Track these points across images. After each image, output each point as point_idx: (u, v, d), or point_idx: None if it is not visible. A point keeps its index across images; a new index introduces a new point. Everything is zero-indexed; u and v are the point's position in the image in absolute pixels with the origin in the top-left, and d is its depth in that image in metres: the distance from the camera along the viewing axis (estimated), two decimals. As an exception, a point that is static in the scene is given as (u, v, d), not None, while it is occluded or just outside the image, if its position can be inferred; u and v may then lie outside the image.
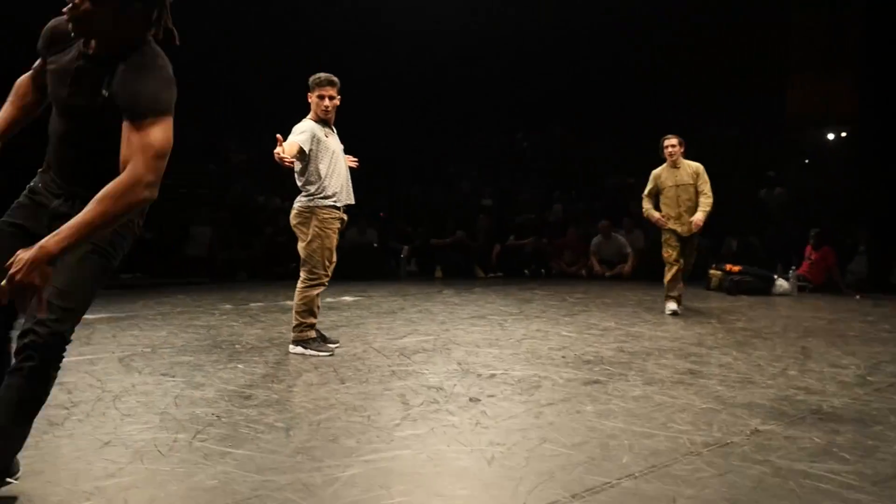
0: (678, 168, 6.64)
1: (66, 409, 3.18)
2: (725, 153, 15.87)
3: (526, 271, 11.33)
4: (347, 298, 7.75)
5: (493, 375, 3.91)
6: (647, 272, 10.64)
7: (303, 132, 4.42)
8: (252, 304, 7.10)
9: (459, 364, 4.20)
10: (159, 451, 2.63)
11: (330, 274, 4.63)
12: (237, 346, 4.79)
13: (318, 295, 4.57)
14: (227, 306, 6.94)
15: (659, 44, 15.70)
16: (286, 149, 4.22)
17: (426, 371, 4.02)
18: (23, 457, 2.28)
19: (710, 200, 6.49)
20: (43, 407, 2.20)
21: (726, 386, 3.70)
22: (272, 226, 11.41)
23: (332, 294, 8.06)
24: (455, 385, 3.67)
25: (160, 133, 1.96)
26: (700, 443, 2.75)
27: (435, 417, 3.09)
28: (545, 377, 3.87)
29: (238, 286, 9.22)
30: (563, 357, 4.45)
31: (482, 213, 12.40)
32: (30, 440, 2.65)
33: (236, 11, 15.92)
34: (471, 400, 3.38)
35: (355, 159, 4.88)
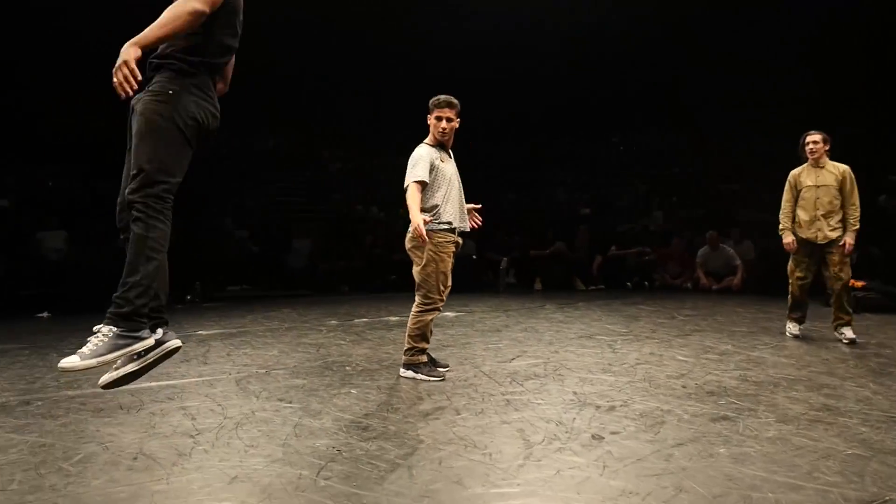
0: (821, 168, 6.02)
1: (192, 437, 3.23)
2: (840, 154, 15.08)
3: (628, 284, 11.05)
4: (449, 314, 7.72)
5: (612, 408, 3.77)
6: (757, 286, 10.22)
7: (416, 164, 4.38)
8: (357, 321, 7.16)
9: (575, 394, 4.07)
10: (286, 489, 2.63)
11: (444, 298, 4.58)
12: (348, 367, 4.80)
13: (431, 320, 4.53)
14: (333, 322, 7.03)
15: (764, 37, 15.03)
16: (412, 211, 4.25)
17: (542, 401, 3.92)
18: (154, 492, 2.31)
19: (859, 213, 5.84)
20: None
21: (870, 426, 3.44)
22: (372, 236, 11.55)
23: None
24: (574, 419, 3.55)
25: None
26: (854, 499, 2.54)
27: (559, 458, 2.98)
28: (668, 411, 3.70)
29: (340, 300, 9.36)
30: (684, 387, 4.25)
31: (581, 223, 12.19)
32: (160, 472, 2.71)
33: (327, 20, 16.19)
34: (594, 438, 3.25)
35: (478, 206, 4.81)
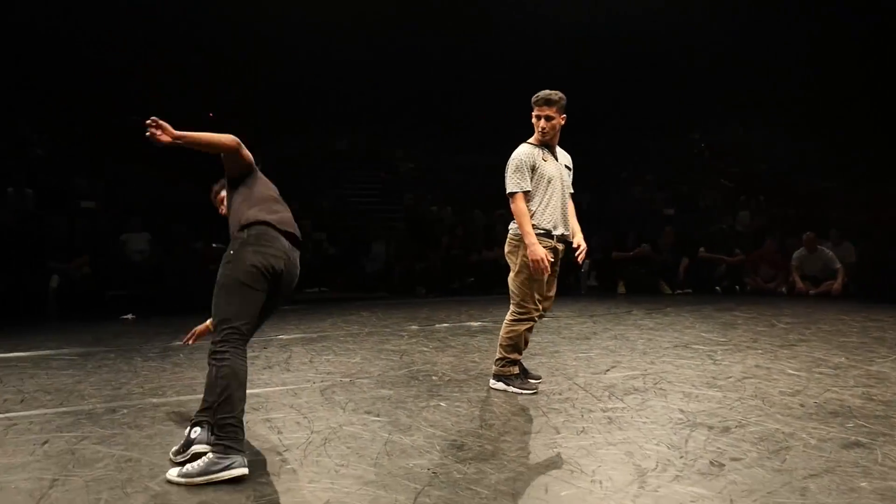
0: None
1: (279, 453, 3.09)
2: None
3: (718, 288, 10.54)
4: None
5: (726, 429, 3.46)
6: (860, 291, 9.63)
7: (515, 170, 4.14)
8: (437, 325, 6.98)
9: (682, 412, 3.78)
10: (382, 517, 2.44)
11: (541, 309, 4.29)
12: (434, 377, 4.61)
13: (525, 330, 4.27)
14: (414, 327, 6.86)
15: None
16: (524, 232, 4.06)
17: (646, 420, 3.63)
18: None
19: None
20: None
21: None
22: (448, 237, 11.36)
23: (499, 313, 7.82)
24: (687, 441, 3.26)
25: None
26: None
27: (677, 488, 2.71)
28: (791, 434, 3.37)
29: (418, 303, 9.21)
30: (802, 405, 3.90)
31: (666, 224, 11.72)
32: (249, 492, 2.55)
33: (395, 21, 16.12)
34: (713, 465, 2.96)
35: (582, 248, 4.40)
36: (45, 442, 3.22)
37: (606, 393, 4.21)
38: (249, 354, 5.37)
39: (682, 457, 3.05)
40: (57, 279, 7.97)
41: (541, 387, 4.34)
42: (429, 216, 13.14)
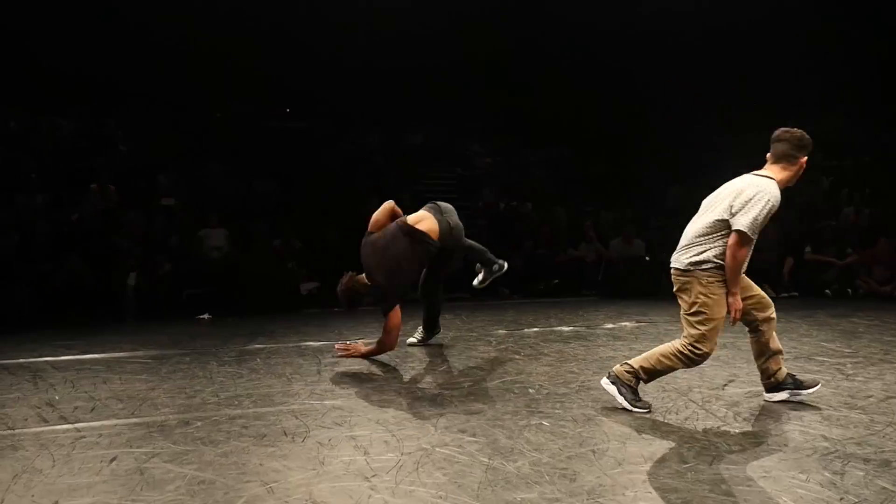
0: None
1: (367, 479, 2.75)
2: None
3: (827, 291, 9.77)
4: (627, 324, 6.98)
5: (886, 463, 2.96)
6: None
7: (762, 210, 3.78)
8: (526, 330, 6.57)
9: (826, 439, 3.28)
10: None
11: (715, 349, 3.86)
12: (531, 390, 4.21)
13: (681, 368, 3.83)
14: (501, 331, 6.48)
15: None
16: (731, 281, 3.81)
17: (786, 448, 3.16)
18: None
19: None
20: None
21: None
22: (533, 238, 10.91)
23: (610, 318, 7.37)
24: (842, 477, 2.77)
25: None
26: None
27: (850, 541, 2.24)
28: (971, 472, 2.84)
29: (502, 305, 8.81)
30: (972, 434, 3.34)
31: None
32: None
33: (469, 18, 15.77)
34: (887, 511, 2.47)
35: None
36: (114, 459, 2.96)
37: (730, 413, 3.73)
38: (329, 360, 5.12)
39: (841, 498, 2.58)
40: (134, 277, 7.90)
41: (652, 403, 3.89)
42: (509, 213, 12.69)
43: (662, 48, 15.57)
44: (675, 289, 3.88)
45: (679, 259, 3.82)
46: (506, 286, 9.87)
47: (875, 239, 10.08)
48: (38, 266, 7.97)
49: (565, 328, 6.72)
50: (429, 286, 5.55)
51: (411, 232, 4.94)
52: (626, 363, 3.84)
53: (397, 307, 4.86)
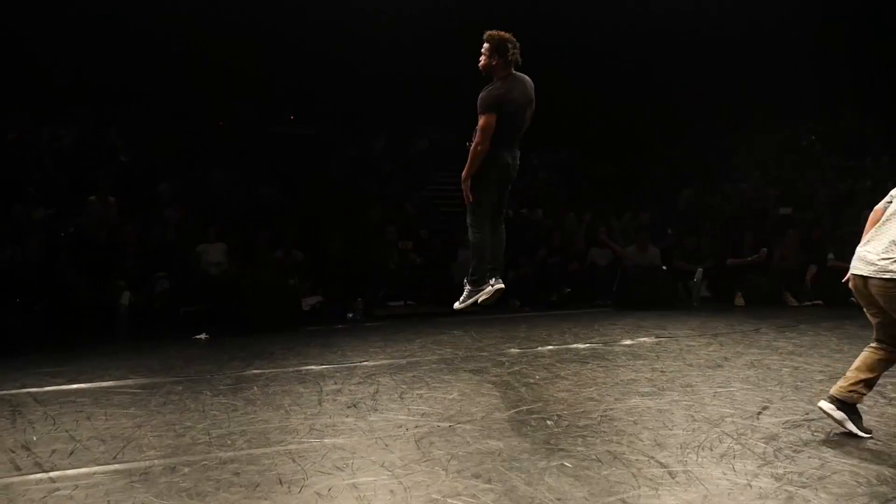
0: None
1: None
2: None
3: (853, 299, 9.38)
4: (646, 340, 6.66)
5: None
6: None
7: None
8: (540, 348, 6.27)
9: (881, 480, 2.97)
10: None
11: None
12: (549, 421, 3.90)
13: None
14: (514, 350, 6.18)
15: None
16: None
17: (838, 493, 2.84)
18: None
19: None
20: None
21: None
22: (546, 246, 10.58)
23: (628, 333, 7.06)
24: (911, 534, 2.46)
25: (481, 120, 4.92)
26: None
27: None
28: None
29: (514, 318, 8.50)
30: None
31: (789, 226, 10.62)
32: None
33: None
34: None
35: None
36: (87, 518, 2.67)
37: (770, 449, 3.42)
38: (331, 387, 4.83)
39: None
40: (128, 296, 7.61)
41: (681, 436, 3.59)
42: (519, 220, 12.38)
43: (669, 48, 15.31)
44: (882, 300, 3.80)
45: (887, 267, 3.70)
46: (517, 297, 9.58)
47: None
48: (31, 283, 7.72)
49: (581, 345, 6.41)
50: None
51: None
52: (848, 382, 3.76)
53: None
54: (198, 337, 7.27)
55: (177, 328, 7.64)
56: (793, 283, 9.61)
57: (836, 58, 15.03)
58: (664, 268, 9.64)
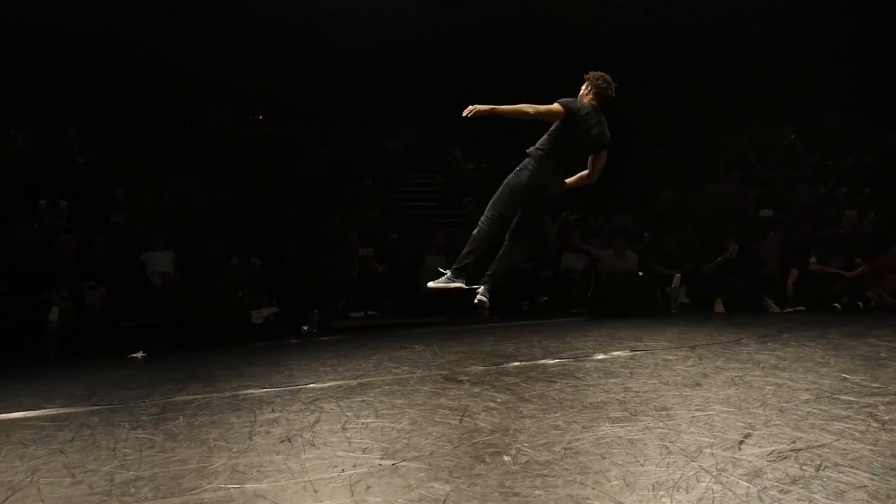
0: None
1: None
2: None
3: (837, 305, 9.14)
4: (620, 354, 6.29)
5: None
6: None
7: None
8: (506, 365, 5.87)
9: (884, 532, 2.59)
10: None
11: None
12: (506, 457, 3.50)
13: None
14: (477, 368, 5.77)
15: None
16: None
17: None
18: None
19: None
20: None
21: None
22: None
23: (601, 346, 6.69)
24: None
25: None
26: None
27: None
28: None
29: (482, 330, 8.09)
30: None
31: (769, 229, 10.32)
32: None
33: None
34: None
35: None
36: None
37: (754, 489, 3.03)
38: (267, 415, 4.40)
39: None
40: (57, 312, 7.11)
41: (654, 473, 3.20)
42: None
43: (650, 48, 15.14)
44: None
45: None
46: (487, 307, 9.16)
47: (886, 245, 9.47)
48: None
49: (550, 361, 6.02)
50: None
51: None
52: None
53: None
54: (134, 356, 6.80)
55: (114, 346, 7.15)
56: (774, 288, 9.30)
57: (818, 55, 14.85)
58: (640, 273, 9.29)
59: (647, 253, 10.17)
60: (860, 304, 9.13)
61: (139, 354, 6.78)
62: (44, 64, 13.59)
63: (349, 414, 4.36)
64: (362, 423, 4.14)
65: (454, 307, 8.92)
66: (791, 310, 9.04)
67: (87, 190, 11.37)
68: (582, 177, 5.63)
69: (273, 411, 4.44)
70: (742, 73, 15.75)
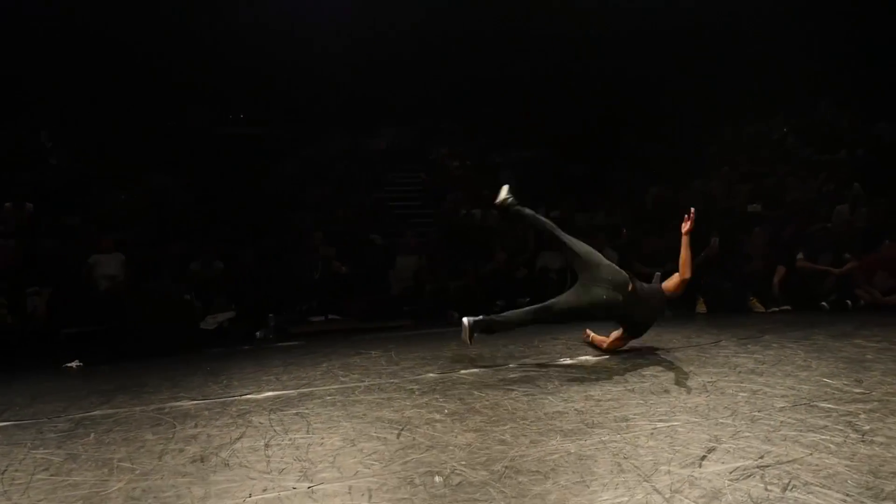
0: None
1: None
2: None
3: (824, 304, 8.82)
4: (589, 358, 5.98)
5: None
6: None
7: None
8: (462, 372, 5.54)
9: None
10: None
11: None
12: (437, 478, 3.16)
13: None
14: (430, 375, 5.43)
15: None
16: None
17: None
18: None
19: None
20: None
21: None
22: (503, 250, 9.83)
23: (570, 350, 6.36)
24: None
25: None
26: None
27: None
28: None
29: (447, 333, 7.73)
30: None
31: (755, 224, 9.99)
32: None
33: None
34: None
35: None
36: None
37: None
38: (188, 430, 4.06)
39: None
40: (-10, 318, 6.78)
41: (599, 495, 2.87)
42: (468, 223, 11.65)
43: (639, 44, 14.92)
44: None
45: None
46: (456, 309, 8.83)
47: (878, 241, 9.17)
48: None
49: (512, 366, 5.69)
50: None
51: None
52: None
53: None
54: (69, 365, 6.43)
55: (53, 354, 6.78)
56: (760, 287, 8.98)
57: (813, 51, 14.59)
58: (619, 273, 8.93)
59: (626, 251, 9.84)
60: (849, 302, 8.82)
61: (74, 364, 6.41)
62: (17, 63, 13.29)
63: (278, 428, 4.01)
64: (289, 440, 3.80)
65: (422, 311, 8.58)
66: (777, 309, 8.72)
67: (58, 192, 11.07)
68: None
69: (196, 426, 4.10)
70: (737, 68, 15.49)
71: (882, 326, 7.19)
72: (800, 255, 9.20)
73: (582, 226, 11.37)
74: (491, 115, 17.22)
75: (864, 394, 4.49)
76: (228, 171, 13.01)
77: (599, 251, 9.34)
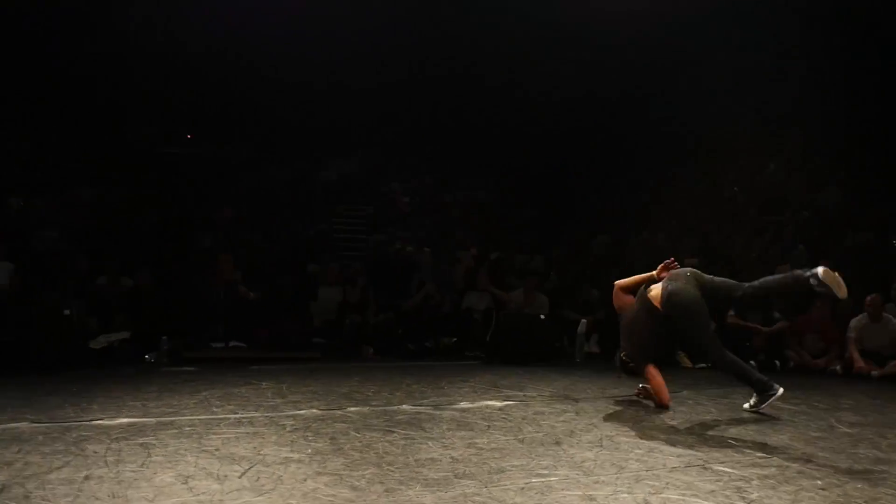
0: None
1: None
2: None
3: (752, 363, 8.59)
4: (493, 403, 5.63)
5: None
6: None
7: None
8: (349, 409, 5.14)
9: None
10: None
11: None
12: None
13: None
14: (310, 411, 5.03)
15: None
16: None
17: None
18: None
19: None
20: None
21: None
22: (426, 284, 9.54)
23: (475, 393, 6.03)
24: None
25: None
26: None
27: None
28: None
29: (353, 370, 7.36)
30: None
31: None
32: None
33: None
34: None
35: None
36: None
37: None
38: (6, 458, 3.62)
39: None
40: None
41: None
42: (398, 256, 11.33)
43: (595, 93, 14.99)
44: None
45: None
46: (372, 344, 8.48)
47: (808, 303, 9.03)
48: None
49: (407, 407, 5.32)
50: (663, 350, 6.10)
51: (641, 297, 5.70)
52: None
53: (650, 367, 5.65)
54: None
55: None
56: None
57: (759, 103, 14.74)
58: (542, 317, 8.65)
59: (557, 296, 9.59)
60: (777, 362, 8.63)
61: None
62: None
63: (110, 459, 3.59)
64: (114, 473, 3.38)
65: (337, 344, 8.21)
66: (704, 365, 8.49)
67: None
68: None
69: (18, 451, 3.66)
70: (691, 122, 15.54)
71: (804, 389, 6.98)
72: (731, 312, 9.03)
73: (518, 267, 11.16)
74: (443, 154, 17.16)
75: (764, 458, 4.20)
76: (160, 189, 12.73)
77: (531, 297, 9.20)
